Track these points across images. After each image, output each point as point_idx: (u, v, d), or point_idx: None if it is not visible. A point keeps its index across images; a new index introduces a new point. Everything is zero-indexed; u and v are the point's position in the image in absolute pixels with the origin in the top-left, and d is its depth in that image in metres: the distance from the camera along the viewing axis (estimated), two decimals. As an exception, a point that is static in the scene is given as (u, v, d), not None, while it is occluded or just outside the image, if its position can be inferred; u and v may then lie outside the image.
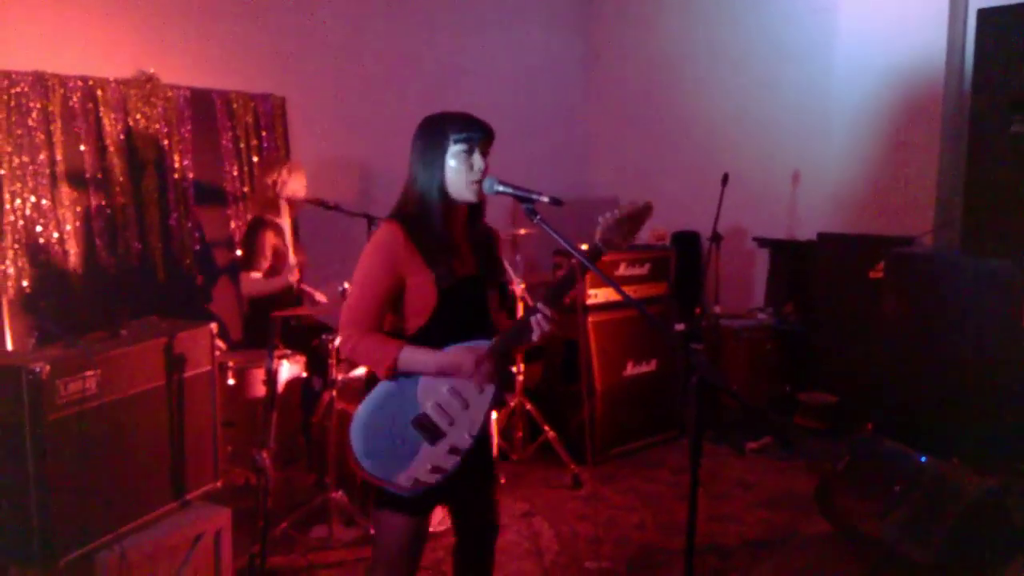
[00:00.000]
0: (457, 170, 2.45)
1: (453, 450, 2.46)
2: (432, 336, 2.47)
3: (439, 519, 3.85)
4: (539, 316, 2.40)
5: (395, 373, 2.43)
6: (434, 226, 2.46)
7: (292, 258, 4.64)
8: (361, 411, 2.45)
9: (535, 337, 2.43)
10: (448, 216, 2.49)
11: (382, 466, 2.42)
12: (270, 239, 4.61)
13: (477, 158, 2.46)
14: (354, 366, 4.29)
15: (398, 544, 2.52)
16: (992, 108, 4.10)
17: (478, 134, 2.46)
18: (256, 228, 4.65)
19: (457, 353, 2.43)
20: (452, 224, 2.51)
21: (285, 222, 4.69)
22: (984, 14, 4.16)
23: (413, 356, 2.42)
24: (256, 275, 4.59)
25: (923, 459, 3.80)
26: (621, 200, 7.84)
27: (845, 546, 4.03)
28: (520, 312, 4.78)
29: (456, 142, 2.44)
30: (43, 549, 2.80)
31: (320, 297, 4.88)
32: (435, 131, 2.48)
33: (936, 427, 4.23)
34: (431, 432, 2.44)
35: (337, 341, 2.54)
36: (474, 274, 2.55)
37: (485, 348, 2.45)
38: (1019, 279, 3.94)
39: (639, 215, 2.48)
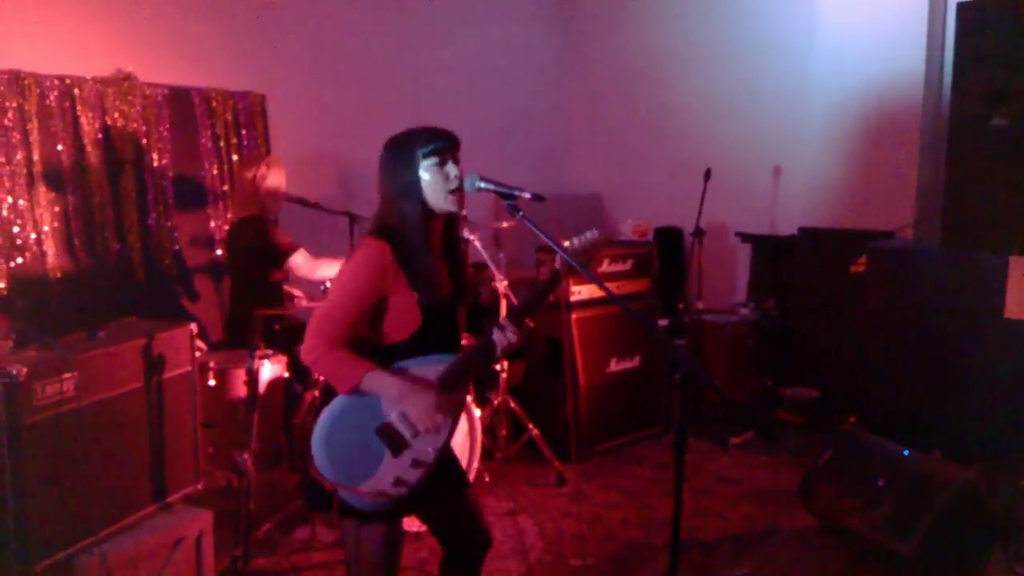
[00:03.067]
0: (433, 183, 2.44)
1: (416, 463, 2.42)
2: (406, 351, 2.47)
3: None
4: (504, 332, 2.41)
5: (355, 393, 2.41)
6: (416, 245, 2.44)
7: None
8: (324, 418, 2.42)
9: (498, 353, 2.44)
10: (429, 233, 2.48)
11: (344, 476, 2.37)
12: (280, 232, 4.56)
13: (451, 167, 2.46)
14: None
15: (372, 553, 2.49)
16: (972, 102, 4.11)
17: (446, 143, 2.46)
18: (262, 223, 4.56)
19: (418, 393, 2.41)
20: (432, 241, 2.50)
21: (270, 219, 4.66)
22: (963, 8, 4.17)
23: (376, 382, 2.40)
24: (301, 256, 4.50)
25: (905, 452, 3.82)
26: (603, 196, 7.91)
27: (828, 540, 4.05)
28: (503, 311, 4.77)
29: (426, 156, 2.43)
30: (20, 554, 2.77)
31: (298, 294, 4.82)
32: (403, 150, 2.47)
33: (918, 421, 4.25)
34: (395, 442, 2.41)
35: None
36: (450, 293, 2.56)
37: (441, 394, 2.43)
38: (1000, 272, 3.96)
39: (595, 246, 2.52)
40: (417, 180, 2.43)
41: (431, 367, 2.46)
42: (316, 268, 4.53)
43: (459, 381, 2.49)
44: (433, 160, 2.43)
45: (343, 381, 2.39)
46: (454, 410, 2.50)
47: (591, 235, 2.50)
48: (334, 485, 2.37)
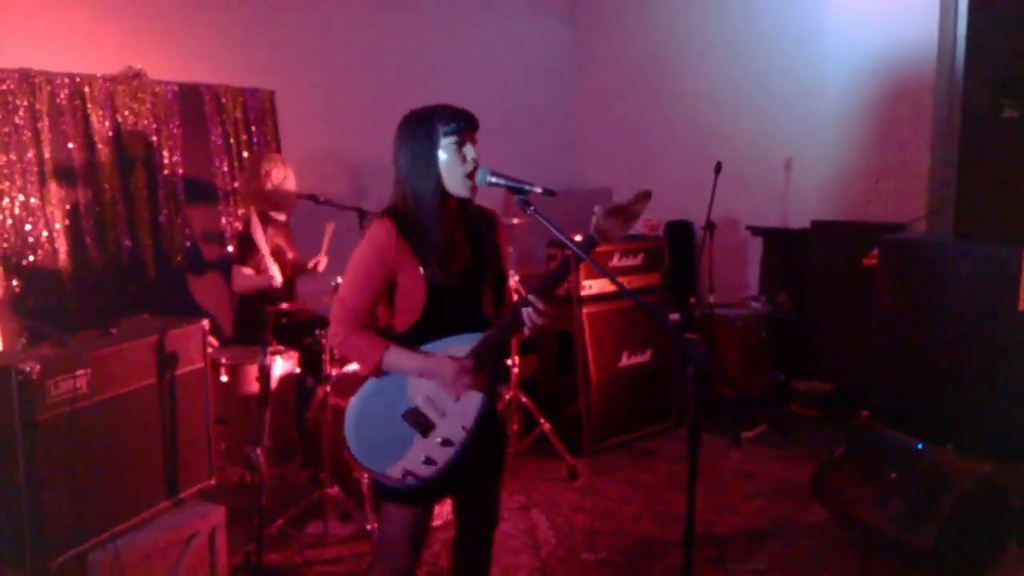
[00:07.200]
0: (450, 163, 2.42)
1: (446, 442, 2.44)
2: (424, 332, 2.47)
3: (436, 513, 3.84)
4: (530, 309, 2.38)
5: (381, 373, 2.44)
6: (429, 222, 2.43)
7: (282, 256, 4.59)
8: (354, 403, 2.46)
9: (526, 330, 2.42)
10: (442, 212, 2.46)
11: (374, 458, 2.42)
12: (266, 235, 4.55)
13: (469, 148, 2.44)
14: (348, 361, 4.27)
15: (400, 534, 2.53)
16: (984, 93, 4.08)
17: (466, 124, 2.44)
18: (252, 224, 4.56)
19: (439, 362, 2.42)
20: (446, 218, 2.48)
21: (282, 217, 4.66)
22: (975, -1, 4.14)
23: (398, 359, 2.42)
24: (248, 271, 4.52)
25: (919, 446, 3.80)
26: (613, 190, 7.89)
27: (842, 534, 4.03)
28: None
29: (446, 134, 2.41)
30: (35, 551, 2.77)
31: (319, 261, 4.79)
32: (422, 126, 2.44)
33: (932, 414, 4.22)
34: (422, 425, 2.44)
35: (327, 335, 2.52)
36: (468, 268, 2.52)
37: (466, 359, 2.43)
38: (1014, 263, 3.93)
39: (636, 204, 2.48)
40: (435, 157, 2.42)
41: (458, 347, 2.46)
42: (242, 282, 4.54)
43: (490, 355, 2.47)
44: (453, 139, 2.41)
45: (366, 361, 2.44)
46: (482, 386, 2.49)
47: (631, 195, 2.48)
48: (366, 468, 2.43)
